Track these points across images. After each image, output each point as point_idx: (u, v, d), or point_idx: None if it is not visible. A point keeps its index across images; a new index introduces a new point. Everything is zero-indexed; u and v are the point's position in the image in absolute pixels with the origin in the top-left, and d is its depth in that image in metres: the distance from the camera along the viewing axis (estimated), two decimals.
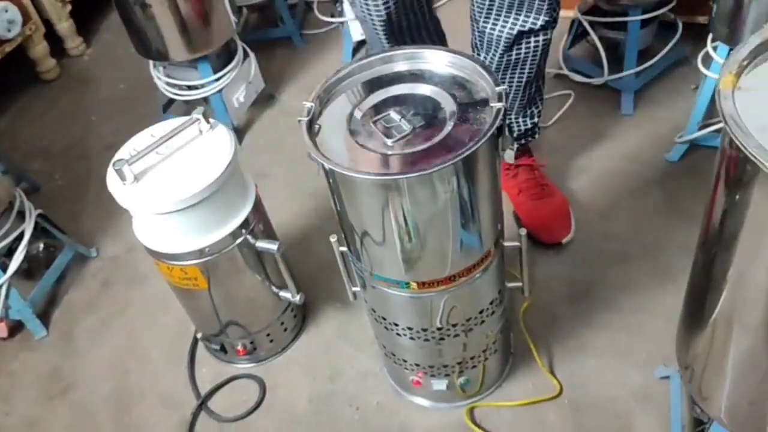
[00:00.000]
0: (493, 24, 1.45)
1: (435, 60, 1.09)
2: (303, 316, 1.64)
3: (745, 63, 0.80)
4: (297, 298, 1.49)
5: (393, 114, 1.05)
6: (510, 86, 1.56)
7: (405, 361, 1.34)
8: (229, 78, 2.06)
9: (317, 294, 1.67)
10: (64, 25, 2.69)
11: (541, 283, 1.59)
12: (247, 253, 1.39)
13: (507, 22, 1.44)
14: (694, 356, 1.04)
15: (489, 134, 0.97)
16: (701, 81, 1.76)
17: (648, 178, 1.78)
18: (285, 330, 1.58)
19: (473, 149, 0.96)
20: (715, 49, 1.65)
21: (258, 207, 1.39)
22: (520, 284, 1.29)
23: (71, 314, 1.80)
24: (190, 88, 2.07)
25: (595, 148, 1.89)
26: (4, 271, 1.67)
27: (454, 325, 1.23)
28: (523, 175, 1.72)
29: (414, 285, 1.14)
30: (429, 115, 1.04)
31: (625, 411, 1.36)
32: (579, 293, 1.57)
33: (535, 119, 1.68)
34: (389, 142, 1.02)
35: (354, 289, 1.31)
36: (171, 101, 2.21)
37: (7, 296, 1.68)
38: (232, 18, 2.00)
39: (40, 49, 2.58)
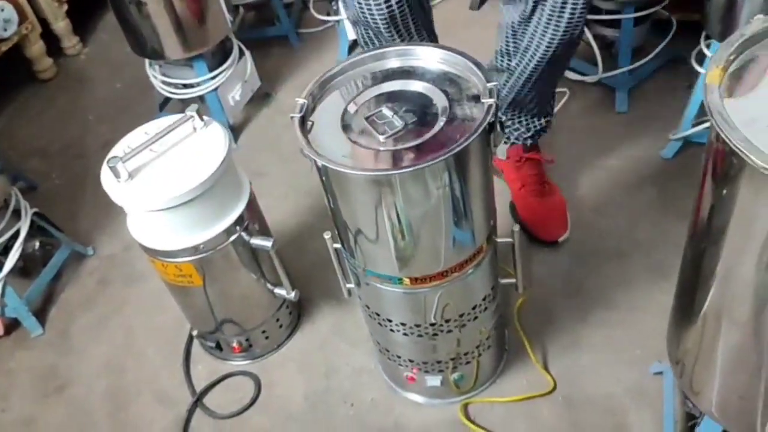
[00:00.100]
0: (531, 35, 1.43)
1: (427, 56, 1.10)
2: (298, 313, 1.65)
3: (732, 58, 0.81)
4: (292, 295, 1.49)
5: (385, 110, 1.05)
6: (534, 92, 1.56)
7: (399, 357, 1.35)
8: (225, 76, 2.06)
9: (312, 291, 1.67)
10: (61, 25, 2.69)
11: (535, 279, 1.60)
12: (241, 250, 1.39)
13: (546, 34, 1.41)
14: (684, 351, 1.05)
15: (480, 130, 0.97)
16: (695, 78, 1.77)
17: (642, 175, 1.79)
18: (280, 327, 1.58)
19: (464, 145, 0.96)
20: (708, 46, 1.65)
21: (252, 204, 1.40)
22: (514, 280, 1.30)
23: (67, 312, 1.80)
24: (185, 86, 2.07)
25: (590, 145, 1.90)
26: (0, 269, 1.67)
27: (447, 321, 1.23)
28: (529, 169, 1.73)
29: (407, 281, 1.14)
30: (421, 111, 1.05)
31: (619, 407, 1.37)
32: (574, 290, 1.57)
33: (549, 117, 1.70)
34: (382, 138, 1.02)
35: (348, 285, 1.31)
36: (167, 100, 2.21)
37: (3, 294, 1.69)
38: (228, 16, 2.00)
39: (36, 48, 2.58)
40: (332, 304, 1.65)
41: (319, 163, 1.01)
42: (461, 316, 1.24)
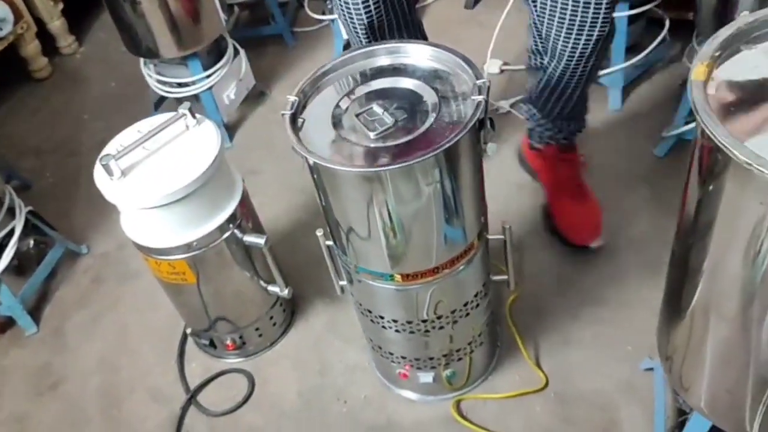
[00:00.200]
0: (556, 37, 1.40)
1: (417, 54, 1.10)
2: (292, 310, 1.65)
3: (717, 54, 0.81)
4: (285, 293, 1.50)
5: (376, 108, 1.05)
6: (569, 91, 1.52)
7: (391, 354, 1.35)
8: (220, 75, 2.07)
9: (306, 289, 1.68)
10: (56, 24, 2.69)
11: (528, 276, 1.61)
12: (234, 247, 1.39)
13: (571, 35, 1.38)
14: (673, 347, 1.05)
15: (469, 127, 0.98)
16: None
17: (635, 172, 1.80)
18: (274, 324, 1.59)
19: (453, 141, 0.97)
20: (700, 44, 1.65)
21: (245, 202, 1.40)
22: (505, 277, 1.30)
23: (62, 310, 1.81)
24: (180, 85, 2.08)
25: (584, 142, 1.89)
26: None
27: (439, 318, 1.24)
28: (566, 170, 1.68)
29: (398, 277, 1.15)
30: (411, 108, 1.05)
31: (611, 403, 1.37)
32: (566, 286, 1.58)
33: (583, 117, 1.66)
34: (372, 135, 1.03)
35: (341, 283, 1.32)
36: (162, 99, 2.21)
37: None
38: (222, 15, 2.01)
39: (31, 47, 2.58)
40: (326, 302, 1.65)
41: (310, 160, 1.01)
42: (453, 312, 1.24)
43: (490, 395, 1.42)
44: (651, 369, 1.37)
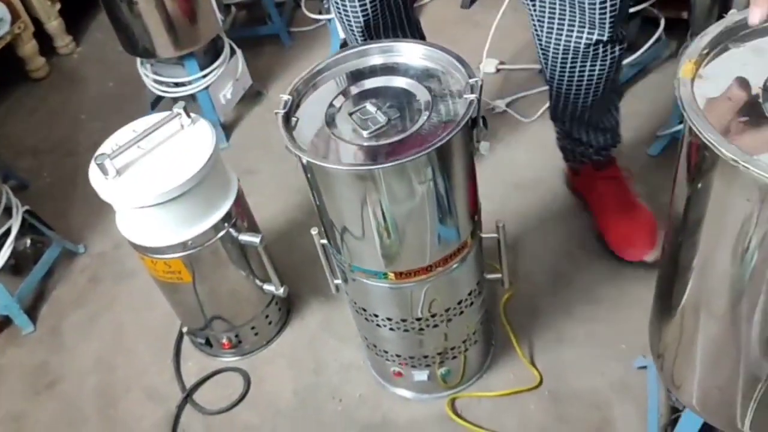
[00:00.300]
0: (548, 35, 1.39)
1: (410, 53, 1.11)
2: (288, 309, 1.66)
3: (705, 51, 0.82)
4: (281, 291, 1.50)
5: (369, 106, 1.06)
6: (585, 101, 1.48)
7: (386, 352, 1.36)
8: (216, 75, 2.07)
9: (302, 287, 1.68)
10: (54, 24, 2.69)
11: (522, 275, 1.61)
12: (230, 246, 1.40)
13: (561, 34, 1.37)
14: (665, 345, 1.06)
15: (461, 125, 0.98)
16: None
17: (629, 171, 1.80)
18: (270, 323, 1.59)
19: (446, 140, 0.97)
20: None
21: (240, 201, 1.41)
22: (500, 276, 1.31)
23: (58, 310, 1.81)
24: (177, 85, 2.08)
25: None
26: None
27: (433, 316, 1.24)
28: (607, 188, 1.62)
29: (392, 275, 1.15)
30: (404, 107, 1.06)
31: (604, 401, 1.38)
32: (561, 285, 1.58)
33: (614, 131, 1.60)
34: (365, 134, 1.03)
35: (336, 281, 1.32)
36: (159, 98, 2.22)
37: None
38: (218, 15, 2.01)
39: (29, 47, 2.58)
40: (321, 300, 1.66)
41: (303, 159, 1.02)
42: (447, 310, 1.25)
43: (484, 393, 1.42)
44: (644, 367, 1.38)
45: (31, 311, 1.80)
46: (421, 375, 1.37)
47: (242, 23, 2.66)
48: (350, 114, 1.06)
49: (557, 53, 1.40)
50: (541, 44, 1.42)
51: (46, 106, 2.55)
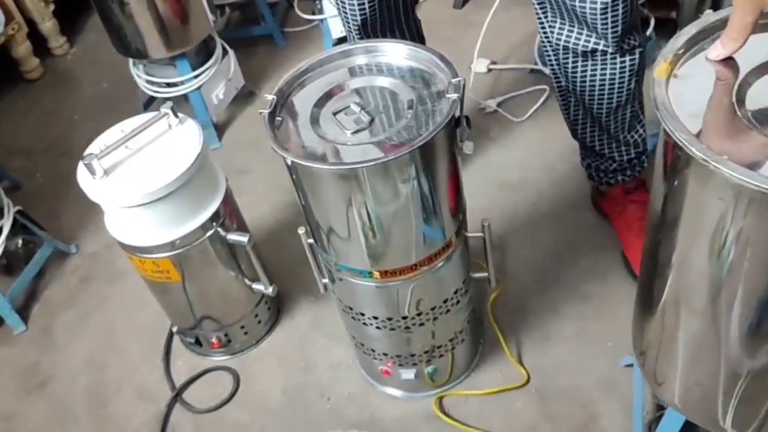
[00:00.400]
0: (558, 36, 1.38)
1: (394, 53, 1.12)
2: (278, 308, 1.66)
3: (681, 51, 0.82)
4: (270, 290, 1.51)
5: (353, 106, 1.07)
6: (599, 108, 1.45)
7: (373, 350, 1.36)
8: (208, 75, 2.08)
9: (291, 287, 1.69)
10: (48, 25, 2.70)
11: (511, 273, 1.62)
12: (218, 245, 1.41)
13: (571, 36, 1.35)
14: (647, 342, 1.06)
15: (443, 124, 0.99)
16: None
17: None
18: (259, 323, 1.60)
19: (428, 138, 0.98)
20: None
21: (228, 200, 1.41)
22: (486, 274, 1.31)
23: (50, 309, 1.82)
24: (169, 85, 2.09)
25: (569, 141, 1.89)
26: None
27: (419, 314, 1.25)
28: (635, 212, 1.56)
29: (377, 274, 1.16)
30: (388, 106, 1.07)
31: (591, 399, 1.38)
32: (549, 283, 1.59)
33: (639, 148, 1.54)
34: (349, 133, 1.04)
35: (324, 281, 1.33)
36: (152, 99, 2.23)
37: None
38: (210, 16, 2.02)
39: (23, 48, 2.59)
40: (311, 300, 1.67)
41: (288, 159, 1.03)
42: (433, 309, 1.25)
43: (472, 392, 1.43)
44: (631, 365, 1.39)
45: (23, 311, 1.81)
46: (408, 373, 1.38)
47: (236, 24, 2.67)
48: (334, 114, 1.07)
49: (567, 55, 1.40)
50: (551, 44, 1.42)
51: (40, 106, 2.56)
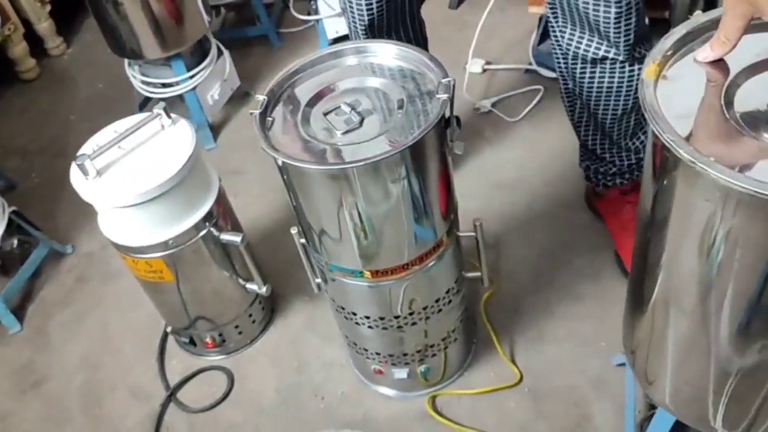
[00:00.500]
0: (569, 42, 1.37)
1: (384, 53, 1.12)
2: (272, 308, 1.67)
3: (670, 53, 0.83)
4: (263, 290, 1.51)
5: (344, 106, 1.07)
6: (604, 114, 1.45)
7: (366, 350, 1.37)
8: (203, 76, 2.08)
9: (286, 287, 1.69)
10: (44, 25, 2.70)
11: (505, 273, 1.62)
12: (212, 245, 1.41)
13: (582, 42, 1.35)
14: (637, 341, 1.07)
15: (433, 124, 0.99)
16: None
17: None
18: (253, 322, 1.60)
19: (417, 138, 0.98)
20: None
21: (222, 200, 1.42)
22: (479, 274, 1.32)
23: (45, 309, 1.82)
24: (164, 86, 2.09)
25: (565, 140, 1.90)
26: None
27: (411, 314, 1.25)
28: (630, 213, 1.57)
29: (368, 274, 1.16)
30: (378, 106, 1.07)
31: (583, 398, 1.39)
32: (543, 283, 1.59)
33: (640, 154, 1.54)
34: (339, 133, 1.04)
35: (317, 280, 1.33)
36: (147, 99, 2.23)
37: None
38: (205, 16, 2.02)
39: (19, 49, 2.59)
40: (305, 300, 1.67)
41: (279, 160, 1.03)
42: (425, 308, 1.26)
43: (464, 391, 1.43)
44: (623, 364, 1.39)
45: (18, 311, 1.81)
46: (401, 373, 1.38)
47: (232, 24, 2.67)
48: (325, 114, 1.07)
49: (576, 61, 1.39)
50: (561, 49, 1.41)
51: (37, 107, 2.56)
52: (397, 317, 1.25)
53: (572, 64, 1.41)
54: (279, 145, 1.05)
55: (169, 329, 1.63)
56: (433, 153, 1.06)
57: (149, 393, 1.57)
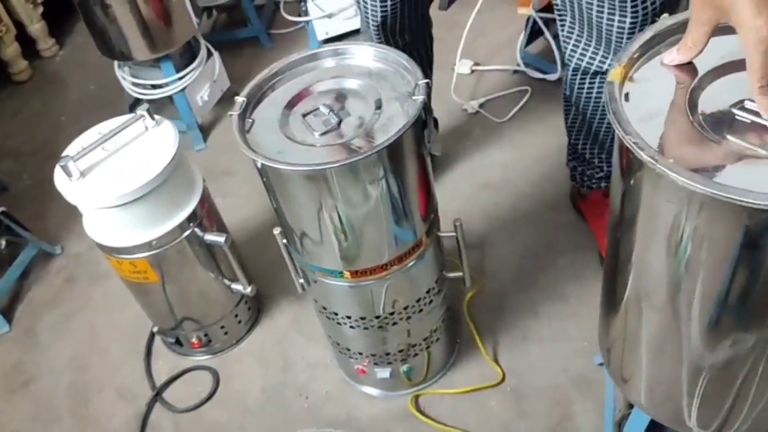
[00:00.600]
0: (573, 51, 1.36)
1: (361, 55, 1.13)
2: (258, 308, 1.68)
3: (636, 56, 0.84)
4: (248, 291, 1.52)
5: (322, 108, 1.08)
6: (599, 125, 1.46)
7: (349, 349, 1.38)
8: (192, 77, 2.09)
9: (273, 287, 1.70)
10: (36, 27, 2.72)
11: (489, 273, 1.63)
12: (196, 246, 1.42)
13: (585, 54, 1.34)
14: (612, 339, 1.08)
15: (408, 126, 1.00)
16: None
17: None
18: (239, 323, 1.61)
19: (393, 139, 0.99)
20: None
21: (206, 201, 1.43)
22: (461, 274, 1.32)
23: (34, 310, 1.83)
24: (154, 87, 2.10)
25: (552, 141, 1.92)
26: None
27: (391, 314, 1.26)
28: None
29: (347, 274, 1.17)
30: (356, 108, 1.08)
31: (565, 397, 1.40)
32: (526, 283, 1.60)
33: None
34: (317, 134, 1.05)
35: (300, 280, 1.34)
36: (138, 101, 2.23)
37: None
38: (194, 18, 2.03)
39: (11, 50, 2.61)
40: (291, 300, 1.68)
41: (258, 162, 1.04)
42: (406, 308, 1.27)
43: (447, 390, 1.44)
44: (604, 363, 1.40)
45: (7, 311, 1.82)
46: (383, 372, 1.39)
47: (223, 26, 2.68)
48: (303, 116, 1.08)
49: (576, 72, 1.39)
50: (565, 56, 1.40)
51: (29, 108, 2.57)
52: (377, 317, 1.26)
53: (572, 75, 1.41)
54: (258, 146, 1.06)
55: (155, 330, 1.64)
56: (410, 154, 1.07)
57: (136, 393, 1.58)
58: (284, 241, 1.26)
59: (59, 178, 1.30)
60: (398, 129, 1.00)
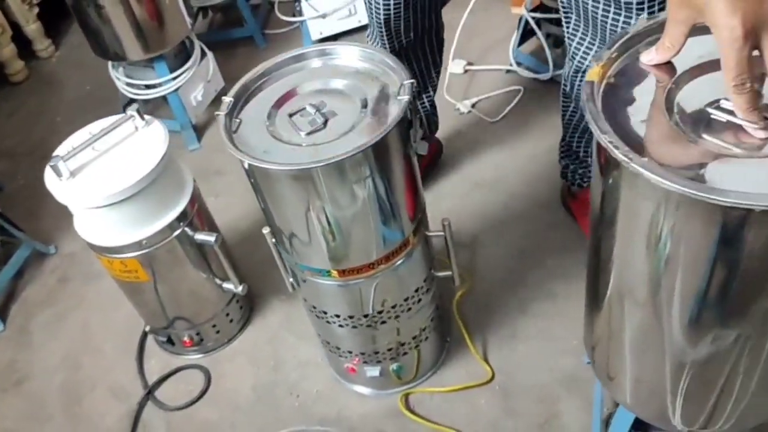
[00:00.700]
0: (576, 50, 1.34)
1: (347, 55, 1.14)
2: (250, 307, 1.68)
3: (614, 55, 0.84)
4: (240, 289, 1.53)
5: (308, 108, 1.09)
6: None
7: (338, 348, 1.38)
8: (186, 77, 2.10)
9: (264, 287, 1.71)
10: (32, 27, 2.73)
11: (480, 271, 1.64)
12: (186, 245, 1.43)
13: (590, 52, 1.32)
14: (596, 337, 1.08)
15: (393, 125, 1.01)
16: None
17: None
18: (231, 321, 1.62)
19: (378, 138, 1.00)
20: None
21: (196, 200, 1.43)
22: (450, 273, 1.33)
23: (28, 309, 1.84)
24: (148, 87, 2.11)
25: (543, 141, 1.93)
26: None
27: (380, 313, 1.27)
28: None
29: (335, 273, 1.18)
30: (342, 108, 1.09)
31: (553, 395, 1.40)
32: (516, 282, 1.61)
33: None
34: (304, 134, 1.06)
35: (290, 280, 1.34)
36: (132, 101, 2.24)
37: None
38: (187, 18, 2.04)
39: (7, 51, 2.62)
40: (282, 299, 1.69)
41: (245, 162, 1.05)
42: (394, 307, 1.27)
43: (436, 389, 1.45)
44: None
45: (1, 311, 1.84)
46: (373, 371, 1.39)
47: (218, 26, 2.69)
48: (290, 115, 1.09)
49: (577, 73, 1.38)
50: (568, 53, 1.38)
51: (25, 109, 2.58)
52: (366, 316, 1.27)
53: (574, 73, 1.40)
54: (246, 147, 1.07)
55: (147, 329, 1.65)
56: (396, 153, 1.07)
57: (128, 392, 1.59)
58: (273, 240, 1.27)
59: (49, 178, 1.31)
60: (383, 128, 1.01)
